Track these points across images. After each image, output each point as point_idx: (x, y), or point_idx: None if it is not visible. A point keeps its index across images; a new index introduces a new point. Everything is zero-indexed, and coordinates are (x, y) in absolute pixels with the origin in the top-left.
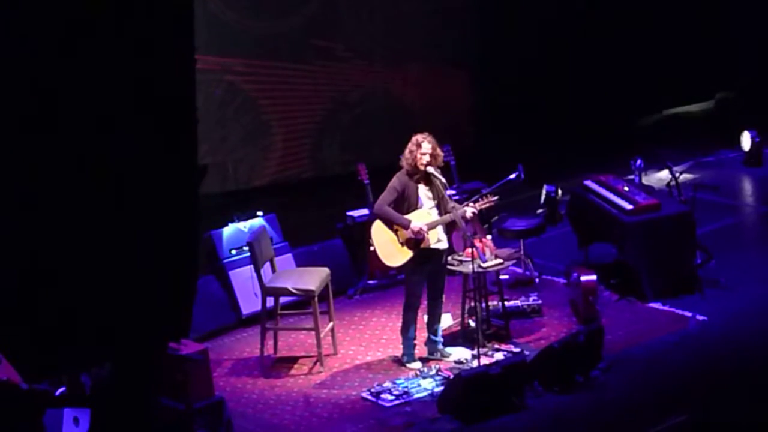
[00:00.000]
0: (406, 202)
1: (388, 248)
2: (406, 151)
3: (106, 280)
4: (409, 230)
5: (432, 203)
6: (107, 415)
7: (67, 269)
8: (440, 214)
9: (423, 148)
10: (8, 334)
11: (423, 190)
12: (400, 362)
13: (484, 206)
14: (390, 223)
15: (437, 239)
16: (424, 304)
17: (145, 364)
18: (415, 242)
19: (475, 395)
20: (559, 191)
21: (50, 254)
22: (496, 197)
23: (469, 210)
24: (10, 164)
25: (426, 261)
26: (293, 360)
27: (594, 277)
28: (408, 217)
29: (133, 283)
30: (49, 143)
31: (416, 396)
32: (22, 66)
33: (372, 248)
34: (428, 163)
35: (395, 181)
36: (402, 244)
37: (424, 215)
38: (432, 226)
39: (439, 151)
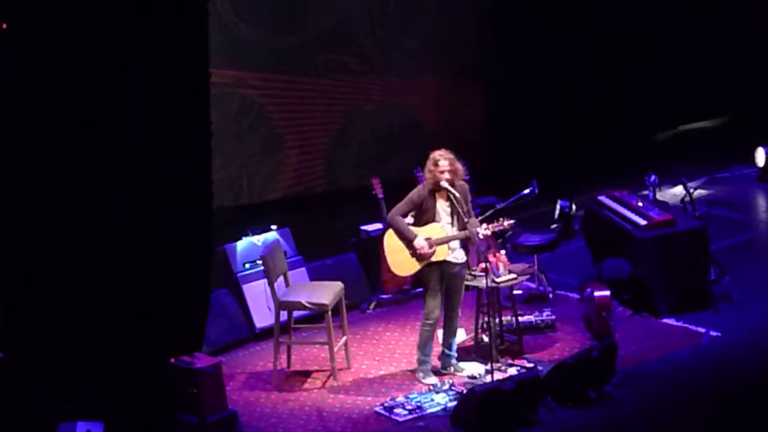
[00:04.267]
0: (424, 216)
1: (398, 257)
2: (426, 170)
3: (121, 293)
4: (413, 245)
5: (449, 218)
6: (121, 428)
7: (81, 282)
8: (459, 229)
9: (440, 166)
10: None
11: (442, 205)
12: (414, 377)
13: (497, 229)
14: (399, 234)
15: (447, 253)
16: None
17: (158, 378)
18: (425, 256)
19: (489, 410)
20: (573, 206)
21: (64, 268)
22: (512, 221)
23: (482, 231)
24: (28, 178)
25: (440, 274)
26: (306, 374)
27: (607, 293)
28: (421, 230)
29: (147, 297)
30: (67, 157)
31: (429, 411)
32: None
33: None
34: (448, 180)
35: (414, 193)
36: (412, 254)
37: (437, 230)
38: (441, 242)
39: (458, 165)
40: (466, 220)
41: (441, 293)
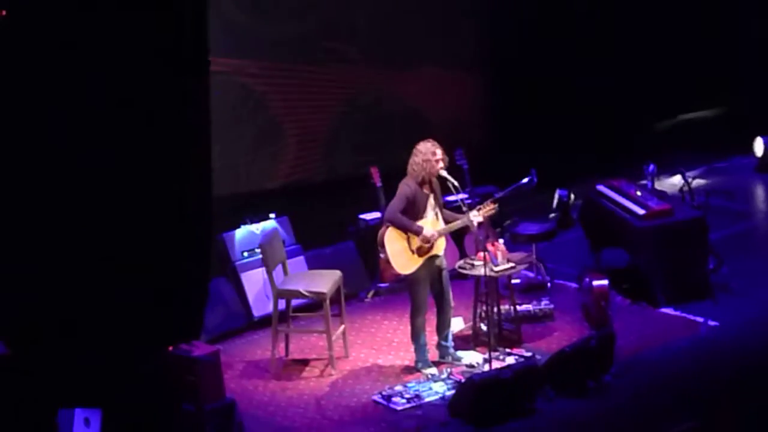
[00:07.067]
0: (413, 209)
1: (402, 257)
2: (420, 161)
3: (119, 282)
4: (422, 236)
5: (434, 210)
6: (120, 417)
7: (80, 270)
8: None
9: (438, 155)
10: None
11: (429, 198)
12: (412, 366)
13: (487, 214)
14: (404, 230)
15: (443, 246)
16: (433, 308)
17: (157, 366)
18: (426, 249)
19: (487, 399)
20: (572, 196)
21: (63, 256)
22: (496, 204)
23: (475, 218)
24: (23, 168)
25: (429, 267)
26: (304, 363)
27: (606, 282)
28: (419, 224)
29: (145, 285)
30: (64, 145)
31: (427, 399)
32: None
33: (383, 256)
34: (443, 168)
35: (406, 189)
36: (413, 251)
37: (434, 223)
38: (445, 231)
39: (445, 154)
40: (466, 210)
41: (428, 284)
